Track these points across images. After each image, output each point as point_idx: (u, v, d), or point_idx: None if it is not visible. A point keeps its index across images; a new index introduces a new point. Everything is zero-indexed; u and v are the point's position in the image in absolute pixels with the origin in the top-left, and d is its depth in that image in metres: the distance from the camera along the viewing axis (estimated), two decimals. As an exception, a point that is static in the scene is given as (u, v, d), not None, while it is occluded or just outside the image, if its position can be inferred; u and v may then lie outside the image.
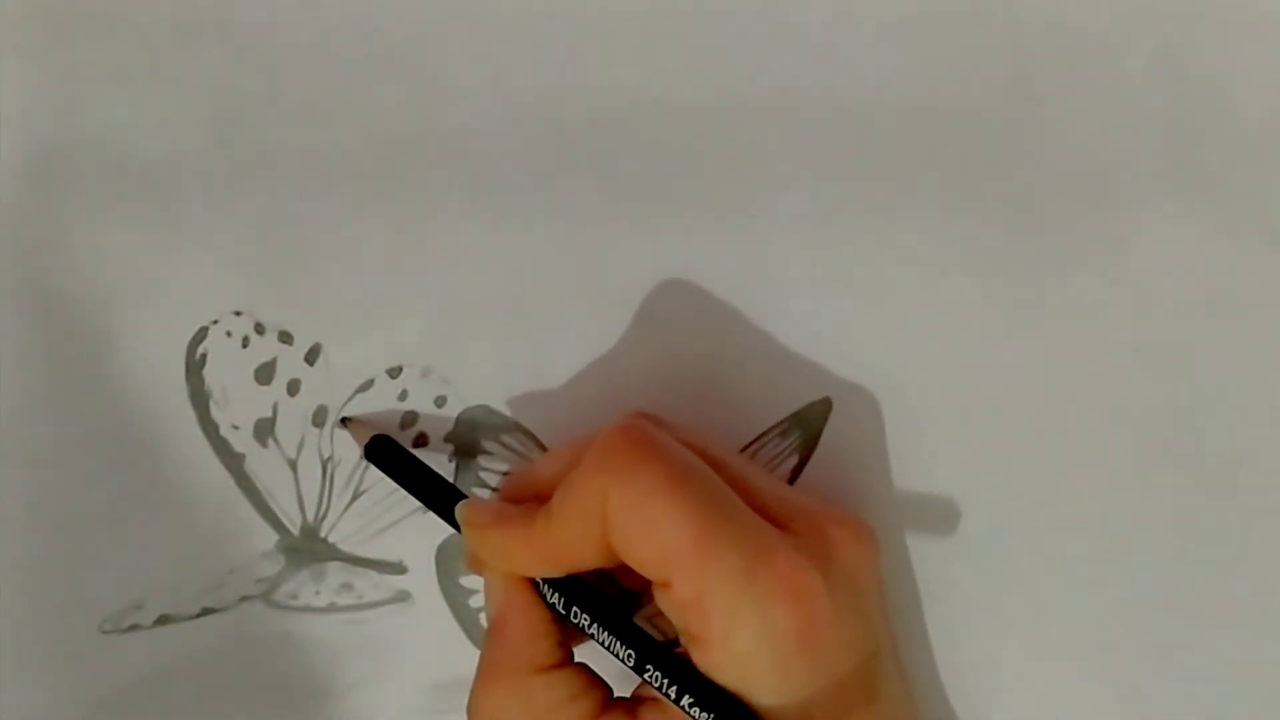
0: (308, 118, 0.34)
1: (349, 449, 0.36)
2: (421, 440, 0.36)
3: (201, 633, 0.36)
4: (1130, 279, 0.33)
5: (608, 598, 0.31)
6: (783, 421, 0.35)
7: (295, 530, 0.36)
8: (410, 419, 0.36)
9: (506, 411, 0.35)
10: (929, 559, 0.36)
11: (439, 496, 0.32)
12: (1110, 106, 0.33)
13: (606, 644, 0.29)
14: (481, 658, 0.30)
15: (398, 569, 0.36)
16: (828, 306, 0.34)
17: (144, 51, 0.34)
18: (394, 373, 0.35)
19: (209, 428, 0.35)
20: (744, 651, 0.27)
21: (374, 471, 0.36)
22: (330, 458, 0.36)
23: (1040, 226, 0.33)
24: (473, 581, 0.36)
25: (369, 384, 0.35)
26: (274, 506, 0.36)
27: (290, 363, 0.35)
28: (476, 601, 0.36)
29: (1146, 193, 0.33)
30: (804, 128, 0.34)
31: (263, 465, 0.36)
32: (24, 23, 0.33)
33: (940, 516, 0.35)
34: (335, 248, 0.35)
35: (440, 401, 0.35)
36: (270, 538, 0.36)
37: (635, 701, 0.30)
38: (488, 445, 0.36)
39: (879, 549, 0.31)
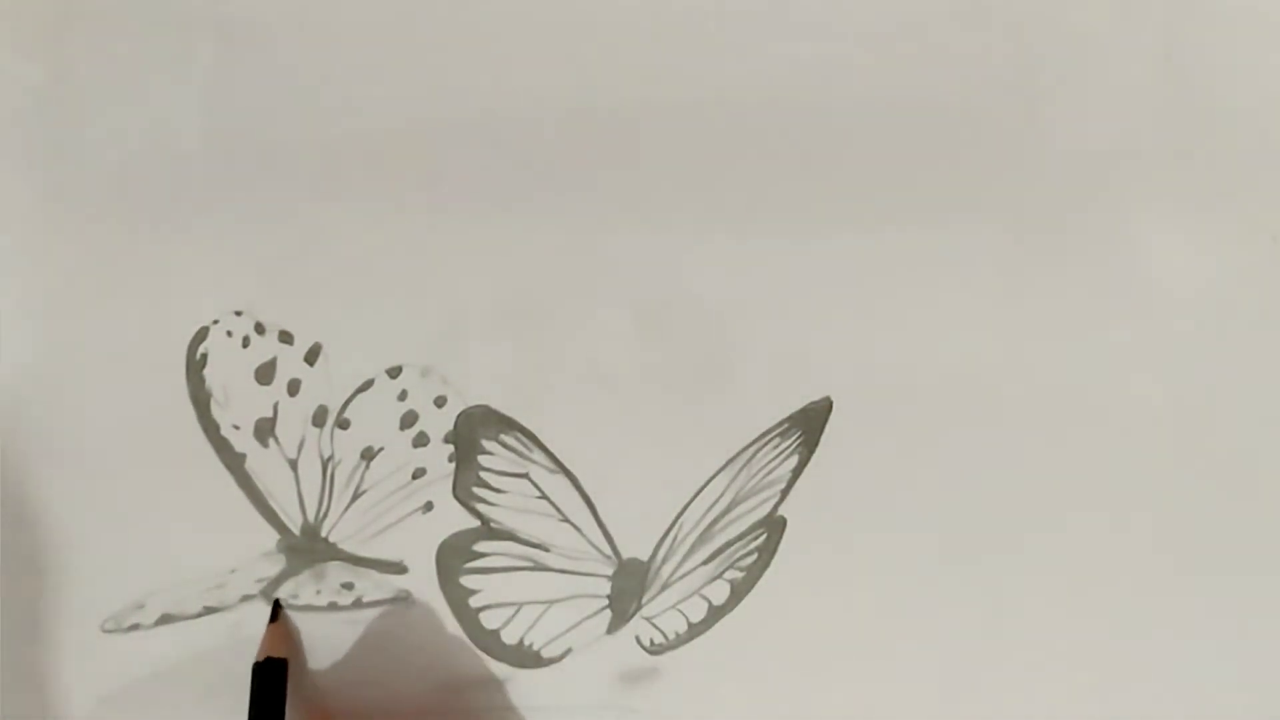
0: (307, 117, 0.34)
1: (349, 448, 0.36)
2: (422, 440, 0.36)
3: (202, 632, 0.36)
4: (1130, 279, 0.33)
5: None
6: (783, 421, 0.35)
7: (296, 530, 0.36)
8: (410, 419, 0.36)
9: (506, 411, 0.35)
10: (929, 559, 0.36)
11: None
12: (1110, 106, 0.33)
13: None
14: None
15: (398, 569, 0.36)
16: (828, 306, 0.34)
17: (143, 51, 0.34)
18: (394, 373, 0.35)
19: (209, 427, 0.35)
20: None
21: (374, 471, 0.36)
22: (330, 457, 0.36)
23: (1040, 226, 0.33)
24: (473, 581, 0.36)
25: (369, 384, 0.35)
26: (275, 506, 0.36)
27: (290, 363, 0.35)
28: (477, 601, 0.36)
29: (1146, 193, 0.33)
30: (804, 127, 0.34)
31: (263, 465, 0.36)
32: (23, 22, 0.33)
33: (940, 516, 0.35)
34: (335, 247, 0.35)
35: (440, 401, 0.35)
36: (271, 537, 0.36)
37: None
38: (488, 445, 0.36)
39: None
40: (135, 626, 0.36)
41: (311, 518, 0.36)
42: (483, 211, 0.34)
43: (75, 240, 0.34)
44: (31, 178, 0.34)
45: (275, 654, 0.35)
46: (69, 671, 0.36)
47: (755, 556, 0.37)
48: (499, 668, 0.37)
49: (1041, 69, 0.33)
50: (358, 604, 0.37)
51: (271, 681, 0.34)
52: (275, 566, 0.36)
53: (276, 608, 0.36)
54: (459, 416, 0.36)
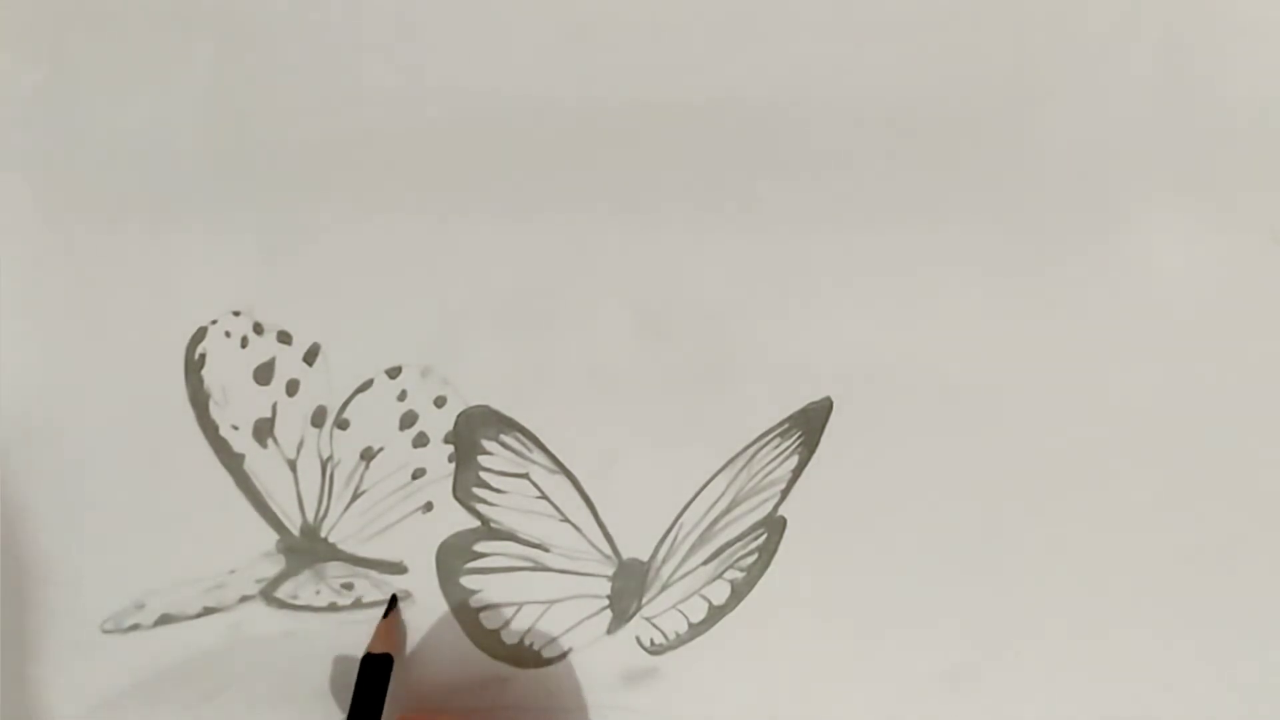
0: (306, 118, 0.34)
1: (348, 449, 0.36)
2: (422, 440, 0.36)
3: (202, 633, 0.36)
4: (1130, 278, 0.33)
5: None
6: (783, 421, 0.35)
7: (295, 530, 0.36)
8: (410, 419, 0.36)
9: (506, 411, 0.35)
10: (928, 558, 0.36)
11: None
12: (1110, 106, 0.33)
13: None
14: None
15: (398, 569, 0.36)
16: (829, 306, 0.34)
17: (143, 51, 0.34)
18: (394, 373, 0.35)
19: (208, 428, 0.35)
20: None
21: (373, 471, 0.36)
22: (330, 458, 0.36)
23: (1040, 226, 0.33)
24: (473, 581, 0.36)
25: (368, 384, 0.35)
26: (274, 506, 0.36)
27: (289, 363, 0.35)
28: (477, 601, 0.36)
29: (1146, 191, 0.33)
30: (804, 127, 0.34)
31: (262, 465, 0.36)
32: (23, 22, 0.33)
33: (940, 516, 0.35)
34: (335, 248, 0.35)
35: (440, 401, 0.35)
36: (270, 537, 0.36)
37: None
38: (488, 445, 0.36)
39: None
40: (135, 626, 0.36)
41: (311, 518, 0.36)
42: (483, 211, 0.34)
43: (75, 240, 0.34)
44: (31, 178, 0.34)
45: (381, 649, 0.35)
46: (69, 671, 0.36)
47: (755, 556, 0.37)
48: (499, 668, 0.37)
49: (1041, 69, 0.33)
50: (358, 604, 0.37)
51: (375, 676, 0.34)
52: (275, 567, 0.36)
53: (393, 603, 0.36)
54: (459, 416, 0.36)
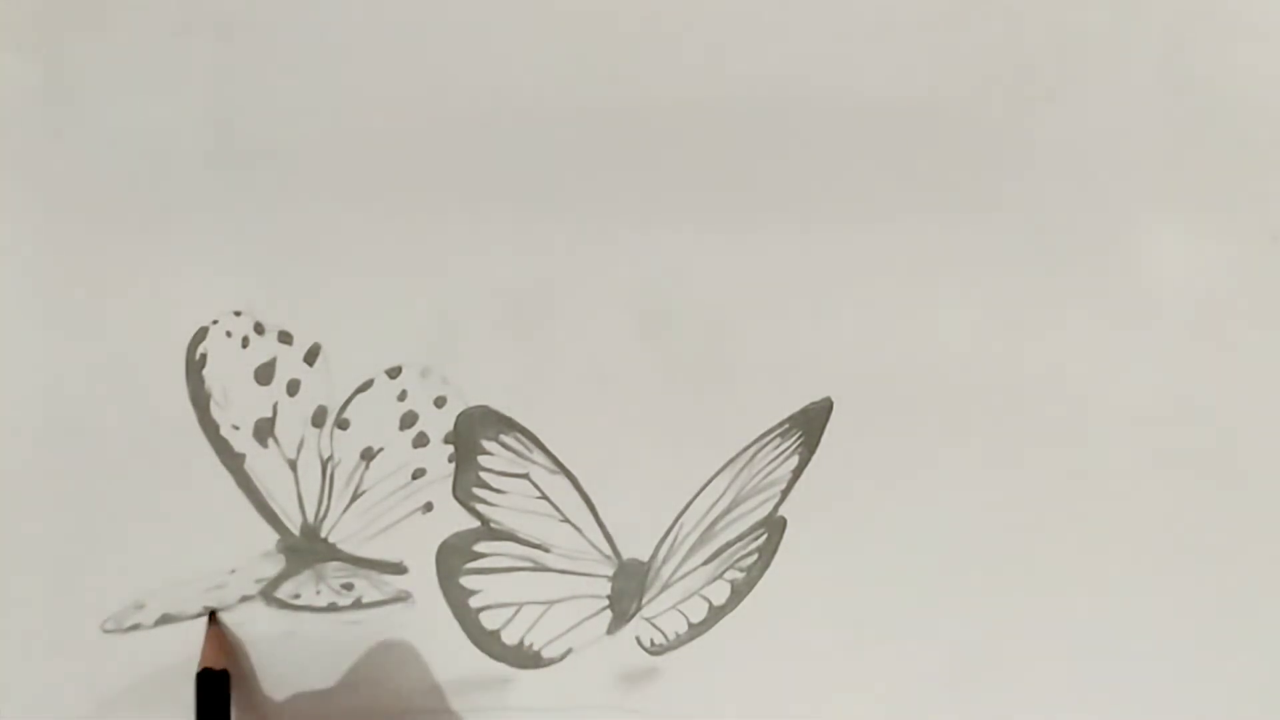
0: (307, 117, 0.34)
1: (348, 449, 0.36)
2: (421, 440, 0.36)
3: (202, 633, 0.36)
4: (1130, 279, 0.33)
5: None
6: (783, 421, 0.35)
7: (296, 530, 0.36)
8: (410, 419, 0.36)
9: (506, 411, 0.35)
10: (928, 558, 0.36)
11: None
12: (1111, 107, 0.33)
13: None
14: None
15: (398, 569, 0.36)
16: (828, 306, 0.34)
17: (143, 51, 0.34)
18: (394, 373, 0.35)
19: (209, 428, 0.35)
20: None
21: (373, 471, 0.36)
22: (330, 458, 0.36)
23: (1040, 226, 0.33)
24: (473, 581, 0.36)
25: (369, 384, 0.35)
26: (274, 506, 0.36)
27: (290, 363, 0.35)
28: (476, 601, 0.36)
29: (1147, 193, 0.33)
30: (804, 127, 0.34)
31: (263, 465, 0.36)
32: (23, 22, 0.33)
33: (940, 516, 0.36)
34: (335, 248, 0.35)
35: (440, 402, 0.35)
36: (271, 538, 0.36)
37: None
38: (488, 445, 0.36)
39: None
40: (135, 626, 0.36)
41: (311, 518, 0.36)
42: (483, 212, 0.34)
43: (75, 241, 0.34)
44: (31, 178, 0.34)
45: (216, 664, 0.35)
46: (69, 671, 0.36)
47: (755, 557, 0.37)
48: (499, 668, 0.37)
49: (1041, 69, 0.33)
50: (358, 604, 0.37)
51: (215, 693, 0.34)
52: (275, 567, 0.36)
53: (212, 617, 0.36)
54: (459, 417, 0.36)
